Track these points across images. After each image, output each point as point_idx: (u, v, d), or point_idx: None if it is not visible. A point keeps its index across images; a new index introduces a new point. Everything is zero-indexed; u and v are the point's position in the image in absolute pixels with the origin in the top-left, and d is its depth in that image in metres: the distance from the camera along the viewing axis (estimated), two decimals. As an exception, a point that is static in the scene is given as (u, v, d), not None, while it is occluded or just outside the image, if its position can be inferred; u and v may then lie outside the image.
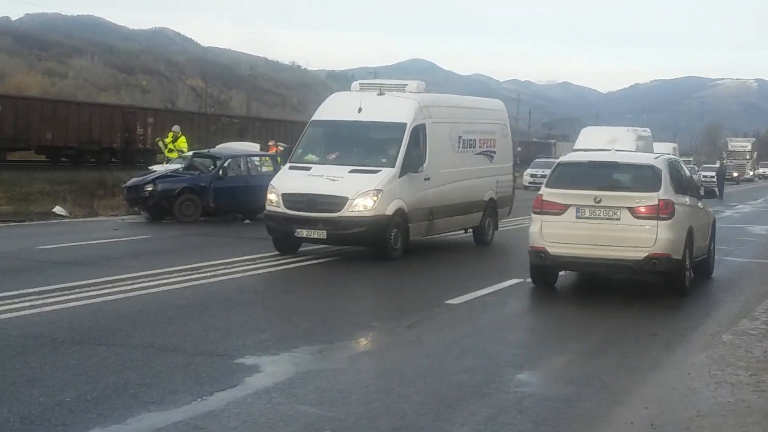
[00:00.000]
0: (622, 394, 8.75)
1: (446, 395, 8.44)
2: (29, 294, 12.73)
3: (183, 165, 28.25)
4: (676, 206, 14.13)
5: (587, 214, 14.17)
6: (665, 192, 14.13)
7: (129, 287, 13.64)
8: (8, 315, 11.31)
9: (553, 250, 14.26)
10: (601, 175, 14.83)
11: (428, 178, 19.00)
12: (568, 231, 14.26)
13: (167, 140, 33.09)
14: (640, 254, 13.95)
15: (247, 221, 25.80)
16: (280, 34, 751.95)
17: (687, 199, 15.00)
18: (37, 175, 35.31)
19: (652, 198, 14.02)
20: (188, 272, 15.36)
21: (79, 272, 14.95)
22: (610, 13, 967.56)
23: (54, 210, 27.10)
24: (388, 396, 8.39)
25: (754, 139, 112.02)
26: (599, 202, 14.08)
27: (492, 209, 21.87)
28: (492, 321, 12.37)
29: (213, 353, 9.76)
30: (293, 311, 12.62)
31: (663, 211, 13.93)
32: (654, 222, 13.94)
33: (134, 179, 27.03)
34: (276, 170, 27.19)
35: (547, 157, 61.75)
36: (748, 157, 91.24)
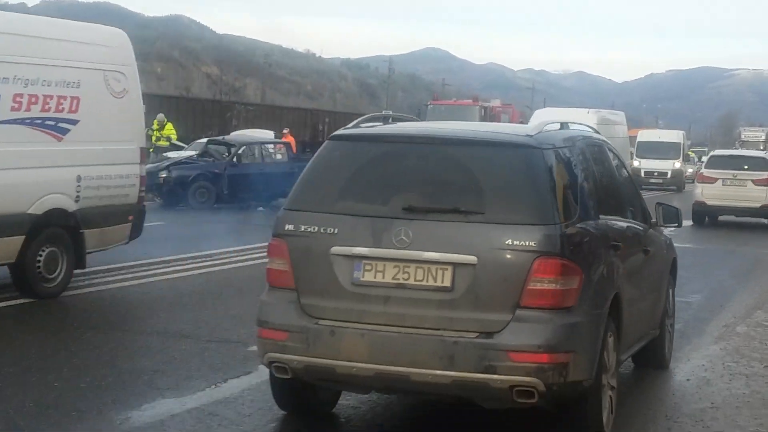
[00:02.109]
0: (635, 385, 8.75)
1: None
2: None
3: (197, 152, 28.32)
4: None
5: (728, 183, 26.70)
6: None
7: (143, 273, 13.69)
8: (23, 300, 11.35)
9: (709, 202, 26.50)
10: (736, 161, 28.16)
11: None
12: (717, 192, 26.57)
13: (154, 128, 31.74)
14: (758, 204, 26.36)
15: (261, 209, 25.83)
16: (296, 21, 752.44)
17: None
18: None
19: (764, 174, 26.57)
20: (202, 259, 15.40)
21: (93, 258, 14.92)
22: (627, 3, 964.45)
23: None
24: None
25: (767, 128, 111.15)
26: (735, 176, 26.73)
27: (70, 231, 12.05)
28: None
29: (227, 340, 9.78)
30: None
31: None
32: (765, 187, 26.37)
33: (148, 165, 27.07)
34: (290, 158, 27.31)
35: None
36: (762, 147, 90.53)
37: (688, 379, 8.96)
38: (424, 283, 6.23)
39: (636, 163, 45.35)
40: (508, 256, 6.14)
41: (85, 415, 7.13)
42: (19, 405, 7.27)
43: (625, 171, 8.91)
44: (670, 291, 9.45)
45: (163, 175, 25.50)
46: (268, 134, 35.21)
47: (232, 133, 34.20)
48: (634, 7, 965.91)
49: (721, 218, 27.49)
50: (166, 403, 7.53)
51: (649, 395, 8.36)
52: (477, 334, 6.10)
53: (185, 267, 14.59)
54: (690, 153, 73.49)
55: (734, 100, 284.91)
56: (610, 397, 6.95)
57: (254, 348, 9.31)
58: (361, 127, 7.56)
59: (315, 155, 7.11)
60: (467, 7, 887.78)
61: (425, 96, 59.71)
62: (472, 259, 6.14)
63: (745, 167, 26.90)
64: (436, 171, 6.60)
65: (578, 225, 6.53)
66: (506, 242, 6.14)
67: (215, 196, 25.50)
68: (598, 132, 8.55)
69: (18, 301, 11.29)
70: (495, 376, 6.02)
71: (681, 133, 52.77)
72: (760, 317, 12.18)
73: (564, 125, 7.81)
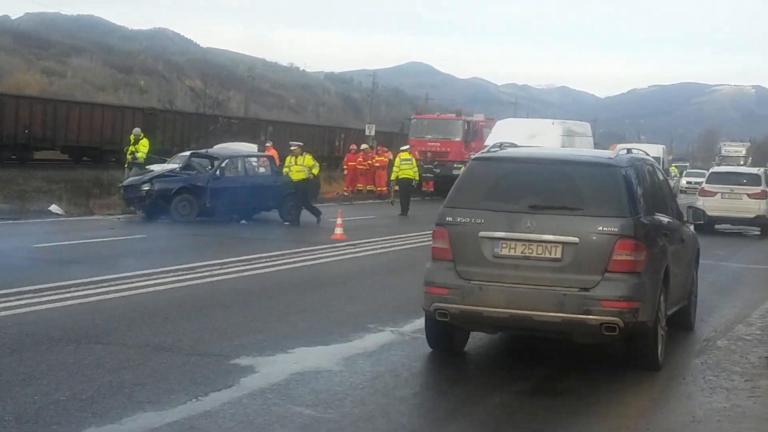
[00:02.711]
0: (617, 400, 8.76)
1: (442, 398, 8.45)
2: (25, 292, 12.71)
3: (180, 164, 28.26)
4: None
5: (726, 197, 29.69)
6: (765, 186, 29.89)
7: (125, 286, 13.63)
8: (4, 313, 11.30)
9: (709, 213, 23.33)
10: (733, 177, 31.14)
11: None
12: (716, 204, 28.94)
13: (132, 142, 31.12)
14: (752, 215, 29.54)
15: (244, 222, 25.79)
16: (279, 35, 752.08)
17: None
18: (34, 174, 35.32)
19: (757, 188, 29.74)
20: (184, 272, 15.35)
21: (76, 271, 14.94)
22: (610, 18, 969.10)
23: (50, 208, 27.06)
24: (384, 398, 8.39)
25: (749, 143, 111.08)
26: (732, 191, 29.80)
27: None
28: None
29: (208, 353, 9.75)
30: (289, 312, 12.61)
31: (761, 195, 29.58)
32: (758, 200, 29.54)
33: (131, 178, 27.05)
34: (273, 171, 27.29)
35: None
36: (742, 162, 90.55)
37: (669, 393, 8.98)
38: (543, 255, 9.26)
39: None
40: (600, 238, 9.20)
41: (64, 429, 7.09)
42: (-2, 418, 7.22)
43: (666, 183, 12.19)
44: (695, 273, 12.72)
45: (146, 188, 25.42)
46: (252, 147, 35.16)
47: (215, 146, 34.09)
48: (617, 22, 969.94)
49: (707, 232, 27.57)
50: (146, 417, 7.49)
51: (630, 409, 8.37)
52: (578, 289, 9.11)
53: (167, 280, 14.54)
54: (672, 168, 73.57)
55: (716, 116, 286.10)
56: (662, 335, 10.01)
57: (235, 361, 9.34)
58: (491, 151, 10.53)
59: (464, 170, 10.35)
60: (451, 22, 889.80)
61: (408, 110, 59.84)
62: (575, 239, 9.20)
63: (743, 182, 30.65)
64: (550, 181, 9.75)
65: (643, 218, 9.56)
66: (598, 228, 9.22)
67: (198, 209, 25.41)
68: (649, 156, 11.82)
69: (-2, 314, 11.23)
70: (591, 317, 9.03)
71: (661, 147, 51.49)
72: (741, 331, 12.22)
73: (629, 151, 11.07)
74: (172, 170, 27.69)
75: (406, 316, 12.44)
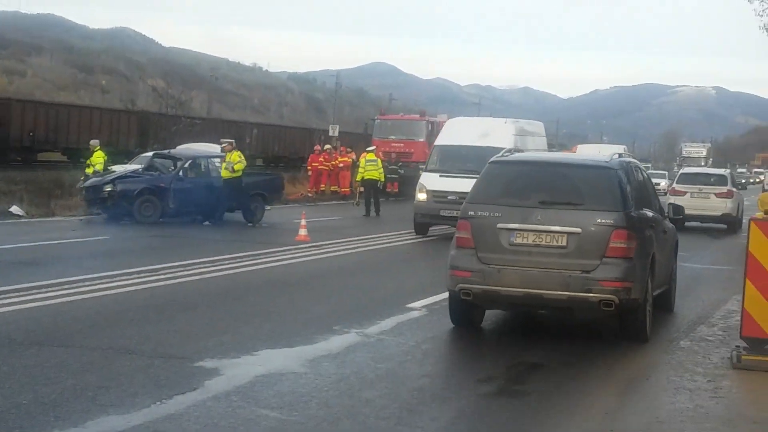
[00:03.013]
0: (582, 399, 8.80)
1: (407, 399, 8.44)
2: (-14, 295, 12.57)
3: (143, 165, 28.06)
4: (734, 192, 32.75)
5: (695, 196, 31.79)
6: (731, 186, 32.76)
7: (87, 288, 13.52)
8: (-36, 316, 11.16)
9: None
10: (701, 178, 33.75)
11: None
12: (686, 202, 28.71)
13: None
14: (719, 213, 31.82)
15: (207, 223, 25.66)
16: (243, 35, 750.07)
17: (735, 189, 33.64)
18: (-6, 175, 34.96)
19: (724, 188, 32.28)
20: (147, 273, 15.26)
21: (37, 273, 14.80)
22: (572, 20, 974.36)
23: (10, 210, 26.77)
24: (349, 400, 8.37)
25: (709, 144, 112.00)
26: (701, 190, 32.14)
27: None
28: (452, 325, 12.35)
29: (173, 356, 9.69)
30: (254, 314, 12.56)
31: (728, 195, 32.17)
32: (725, 199, 31.96)
33: (93, 179, 26.81)
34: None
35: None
36: (703, 163, 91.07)
37: (633, 394, 9.02)
38: (551, 243, 11.05)
39: None
40: (598, 228, 11.01)
41: (27, 433, 7.02)
42: (-41, 423, 7.14)
43: (650, 182, 14.11)
44: (675, 260, 14.80)
45: (108, 188, 25.23)
46: (215, 148, 35.03)
47: (178, 147, 33.89)
48: (580, 24, 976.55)
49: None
50: (110, 420, 7.44)
51: (592, 411, 8.40)
52: (581, 271, 10.89)
53: (130, 282, 14.44)
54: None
55: (677, 116, 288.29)
56: (649, 311, 11.84)
57: (200, 363, 9.29)
58: (506, 156, 12.57)
59: (483, 172, 12.14)
60: (414, 22, 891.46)
61: (372, 110, 59.76)
62: (578, 230, 10.99)
63: (711, 182, 33.14)
64: (555, 181, 11.68)
65: (633, 212, 11.40)
66: (597, 221, 11.03)
67: (161, 210, 25.25)
68: (636, 160, 14.75)
69: (-41, 317, 11.10)
70: (591, 295, 10.85)
71: (622, 147, 49.10)
72: (704, 332, 12.31)
73: (621, 155, 13.28)
74: (134, 171, 27.51)
75: (370, 317, 12.43)
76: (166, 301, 13.11)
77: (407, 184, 39.94)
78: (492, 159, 12.37)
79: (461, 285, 11.35)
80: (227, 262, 17.23)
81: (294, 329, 11.53)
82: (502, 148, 18.36)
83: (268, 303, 13.54)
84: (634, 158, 17.89)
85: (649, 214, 12.44)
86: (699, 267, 21.06)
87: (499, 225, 11.23)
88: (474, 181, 14.31)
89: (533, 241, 11.11)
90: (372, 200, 32.51)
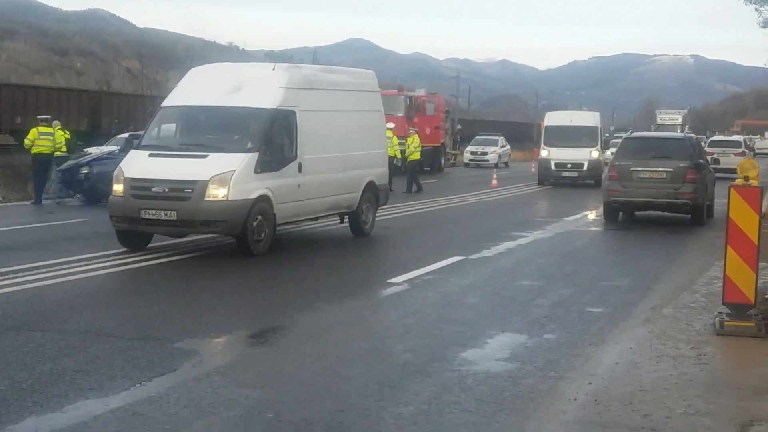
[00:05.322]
0: (565, 370, 8.74)
1: (389, 376, 8.36)
2: (-38, 281, 12.42)
3: (119, 147, 27.82)
4: (746, 152, 45.93)
5: (721, 156, 36.19)
6: (744, 148, 46.67)
7: (65, 272, 13.37)
8: (-60, 303, 11.02)
9: None
10: (724, 143, 49.41)
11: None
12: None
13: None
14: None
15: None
16: (218, 14, 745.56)
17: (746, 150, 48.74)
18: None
19: (739, 150, 45.19)
20: (124, 255, 15.12)
21: (14, 257, 14.63)
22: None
23: (-14, 195, 26.53)
24: (330, 378, 8.28)
25: (686, 110, 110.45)
26: (724, 152, 42.30)
27: None
28: (434, 299, 12.30)
29: (152, 338, 9.57)
30: (234, 293, 12.47)
31: (741, 154, 40.89)
32: (740, 157, 33.66)
33: (69, 162, 26.56)
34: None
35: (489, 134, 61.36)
36: (678, 130, 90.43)
37: (616, 363, 8.96)
38: (657, 177, 22.60)
39: (545, 153, 39.31)
40: (681, 168, 22.37)
41: (3, 420, 6.89)
42: (-66, 411, 7.02)
43: (701, 147, 28.31)
44: (713, 188, 24.59)
45: (84, 171, 25.02)
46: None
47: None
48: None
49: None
50: (88, 404, 7.33)
51: (578, 379, 8.35)
52: (673, 189, 22.35)
53: (107, 264, 14.30)
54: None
55: (656, 85, 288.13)
56: (706, 209, 23.30)
57: (179, 344, 9.18)
58: (632, 134, 27.36)
59: (621, 143, 25.15)
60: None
61: (350, 87, 59.42)
62: (671, 169, 22.47)
63: (731, 144, 44.89)
64: (658, 146, 24.54)
65: (696, 161, 22.93)
66: (680, 164, 22.46)
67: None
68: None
69: (-66, 304, 10.96)
70: (678, 200, 22.39)
71: (596, 114, 43.80)
72: (687, 299, 12.27)
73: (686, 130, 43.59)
74: (110, 153, 27.29)
75: (351, 294, 12.35)
76: (144, 282, 13.01)
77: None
78: (625, 136, 23.87)
79: (612, 198, 22.62)
80: (207, 242, 17.06)
81: (273, 309, 11.45)
82: (260, 108, 16.16)
83: (245, 283, 13.43)
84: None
85: (703, 162, 23.40)
86: (684, 236, 21.07)
87: (632, 168, 22.51)
88: (210, 162, 14.83)
89: (649, 175, 22.39)
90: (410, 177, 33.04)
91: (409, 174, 33.13)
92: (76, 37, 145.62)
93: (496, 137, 59.48)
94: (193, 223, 15.19)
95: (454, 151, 56.95)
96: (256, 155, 15.52)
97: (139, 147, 16.57)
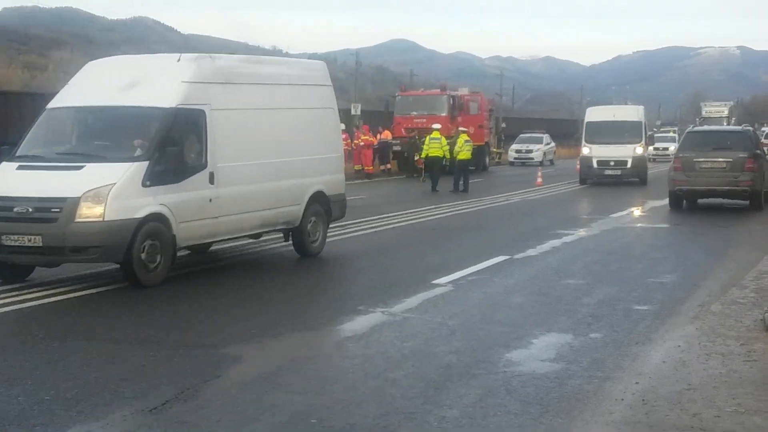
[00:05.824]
0: (612, 369, 8.64)
1: (434, 378, 8.31)
2: (7, 290, 12.51)
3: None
4: None
5: None
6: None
7: (107, 281, 13.44)
8: (-12, 313, 11.12)
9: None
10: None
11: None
12: None
13: None
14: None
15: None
16: (261, 18, 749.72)
17: None
18: None
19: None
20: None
21: (57, 268, 14.71)
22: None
23: None
24: (375, 381, 8.25)
25: (732, 102, 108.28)
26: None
27: None
28: (479, 300, 12.23)
29: (197, 345, 9.59)
30: (276, 298, 12.47)
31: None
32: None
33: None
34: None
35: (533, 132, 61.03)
36: (725, 123, 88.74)
37: (664, 361, 8.85)
38: (718, 167, 24.87)
39: (586, 151, 37.47)
40: (740, 158, 24.62)
41: (48, 429, 6.93)
42: (-19, 422, 7.07)
43: (758, 138, 29.19)
44: None
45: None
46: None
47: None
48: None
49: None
50: (133, 413, 7.33)
51: (625, 379, 8.24)
52: (733, 177, 24.53)
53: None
54: (672, 133, 71.30)
55: (702, 78, 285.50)
56: (764, 196, 25.40)
57: (224, 351, 9.21)
58: (695, 128, 32.77)
59: (683, 137, 27.56)
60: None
61: (394, 88, 59.30)
62: (731, 159, 24.68)
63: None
64: (718, 138, 27.05)
65: (754, 151, 25.22)
66: (739, 155, 24.73)
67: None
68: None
69: (-18, 314, 11.06)
70: (737, 187, 24.68)
71: (640, 109, 41.33)
72: (735, 295, 12.10)
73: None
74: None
75: (396, 295, 12.30)
76: (184, 290, 13.02)
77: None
78: (687, 130, 26.31)
79: (678, 187, 24.80)
80: (249, 246, 17.06)
81: (317, 312, 11.43)
82: (154, 108, 13.39)
83: (291, 287, 13.43)
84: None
85: (760, 153, 25.38)
86: (730, 230, 20.83)
87: (695, 159, 24.59)
88: (85, 175, 12.15)
89: (710, 165, 24.49)
90: (434, 176, 33.64)
91: (458, 173, 33.02)
92: (122, 45, 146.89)
93: (541, 135, 59.18)
94: (62, 250, 12.38)
95: (498, 150, 56.74)
96: (144, 165, 12.75)
97: (12, 158, 13.61)
